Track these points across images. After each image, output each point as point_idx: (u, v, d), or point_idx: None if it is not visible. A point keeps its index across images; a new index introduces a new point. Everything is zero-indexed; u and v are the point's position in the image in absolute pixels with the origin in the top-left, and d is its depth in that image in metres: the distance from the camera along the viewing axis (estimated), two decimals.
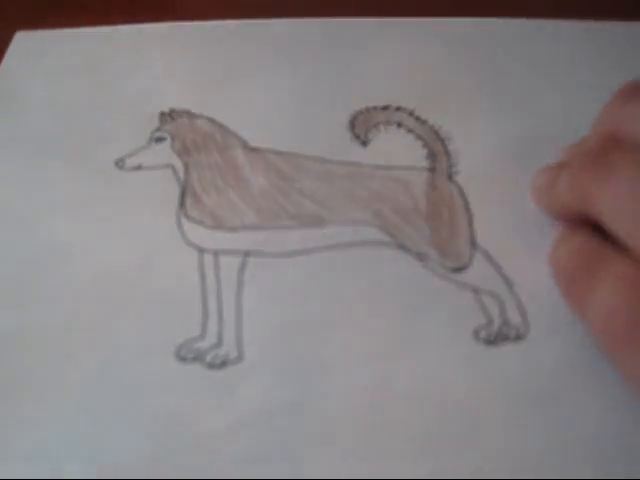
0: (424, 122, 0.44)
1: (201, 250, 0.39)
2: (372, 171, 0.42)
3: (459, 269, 0.38)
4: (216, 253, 0.39)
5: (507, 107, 0.45)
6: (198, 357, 0.35)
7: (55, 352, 0.35)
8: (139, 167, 0.42)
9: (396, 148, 0.43)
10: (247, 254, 0.39)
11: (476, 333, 0.36)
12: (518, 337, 0.36)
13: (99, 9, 0.52)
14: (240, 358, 0.35)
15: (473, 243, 0.39)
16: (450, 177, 0.42)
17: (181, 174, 0.42)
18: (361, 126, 0.44)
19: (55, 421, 0.33)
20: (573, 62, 0.47)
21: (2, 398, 0.34)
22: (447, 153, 0.42)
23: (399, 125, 0.44)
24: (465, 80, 0.47)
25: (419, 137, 0.43)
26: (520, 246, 0.39)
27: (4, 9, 0.53)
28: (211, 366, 0.35)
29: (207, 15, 0.51)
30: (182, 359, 0.35)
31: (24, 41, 0.50)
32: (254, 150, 0.43)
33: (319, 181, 0.41)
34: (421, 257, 0.38)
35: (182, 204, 0.40)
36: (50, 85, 0.47)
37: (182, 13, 0.52)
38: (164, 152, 0.42)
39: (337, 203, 0.40)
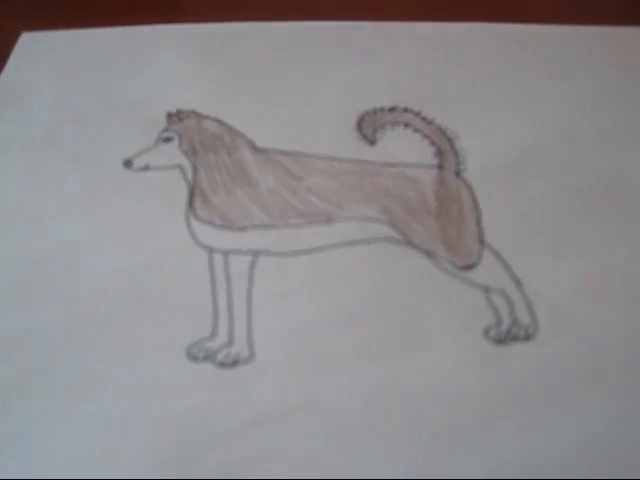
0: (431, 122, 0.44)
1: (211, 250, 0.39)
2: (380, 168, 0.42)
3: (468, 267, 0.38)
4: (226, 253, 0.39)
5: (513, 107, 0.45)
6: (209, 356, 0.35)
7: (65, 352, 0.35)
8: (147, 167, 0.42)
9: (403, 146, 0.43)
10: (256, 253, 0.39)
11: (486, 332, 0.36)
12: (527, 337, 0.36)
13: (103, 10, 0.52)
14: (251, 357, 0.35)
15: (482, 241, 0.39)
16: (458, 174, 0.42)
17: (189, 174, 0.42)
18: (368, 126, 0.44)
19: (67, 420, 0.33)
20: (575, 66, 0.48)
21: (13, 399, 0.34)
22: (454, 151, 0.42)
23: (406, 125, 0.44)
24: (471, 82, 0.47)
25: (426, 136, 0.43)
26: (529, 244, 0.39)
27: (10, 10, 0.53)
28: (222, 365, 0.35)
29: (207, 16, 0.51)
30: (193, 358, 0.35)
31: (30, 42, 0.50)
32: (262, 150, 0.43)
33: (327, 178, 0.41)
34: (430, 254, 0.39)
35: (191, 204, 0.41)
36: (56, 85, 0.47)
37: (184, 14, 0.52)
38: (172, 152, 0.42)
39: (345, 199, 0.40)
